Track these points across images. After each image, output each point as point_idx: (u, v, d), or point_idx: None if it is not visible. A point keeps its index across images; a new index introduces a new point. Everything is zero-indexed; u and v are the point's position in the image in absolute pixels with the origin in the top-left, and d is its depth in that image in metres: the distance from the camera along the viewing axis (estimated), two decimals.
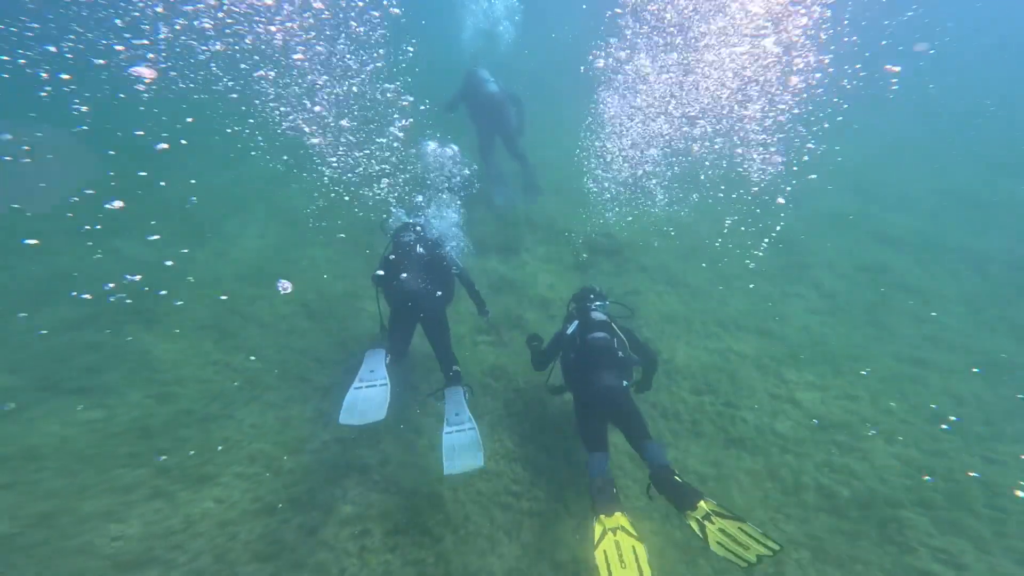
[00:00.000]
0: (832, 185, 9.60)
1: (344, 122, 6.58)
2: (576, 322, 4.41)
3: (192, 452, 4.10)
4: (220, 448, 4.17)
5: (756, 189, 8.52)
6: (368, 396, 4.04)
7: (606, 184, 7.75)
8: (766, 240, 7.47)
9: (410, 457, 4.23)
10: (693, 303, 6.17)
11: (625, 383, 4.02)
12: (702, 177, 9.11)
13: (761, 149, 8.21)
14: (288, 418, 4.49)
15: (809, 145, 10.90)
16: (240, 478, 3.94)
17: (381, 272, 4.76)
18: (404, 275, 4.68)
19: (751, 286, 6.55)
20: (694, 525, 3.15)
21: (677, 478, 3.37)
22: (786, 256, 7.27)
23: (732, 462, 4.30)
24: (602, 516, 3.23)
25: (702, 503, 3.18)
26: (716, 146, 9.11)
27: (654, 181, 8.48)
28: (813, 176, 9.67)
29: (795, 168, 10.15)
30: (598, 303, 4.61)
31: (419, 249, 4.91)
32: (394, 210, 5.65)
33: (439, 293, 4.83)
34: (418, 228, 5.12)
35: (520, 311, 5.90)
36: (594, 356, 4.08)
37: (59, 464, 3.91)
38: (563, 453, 4.36)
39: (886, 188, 9.82)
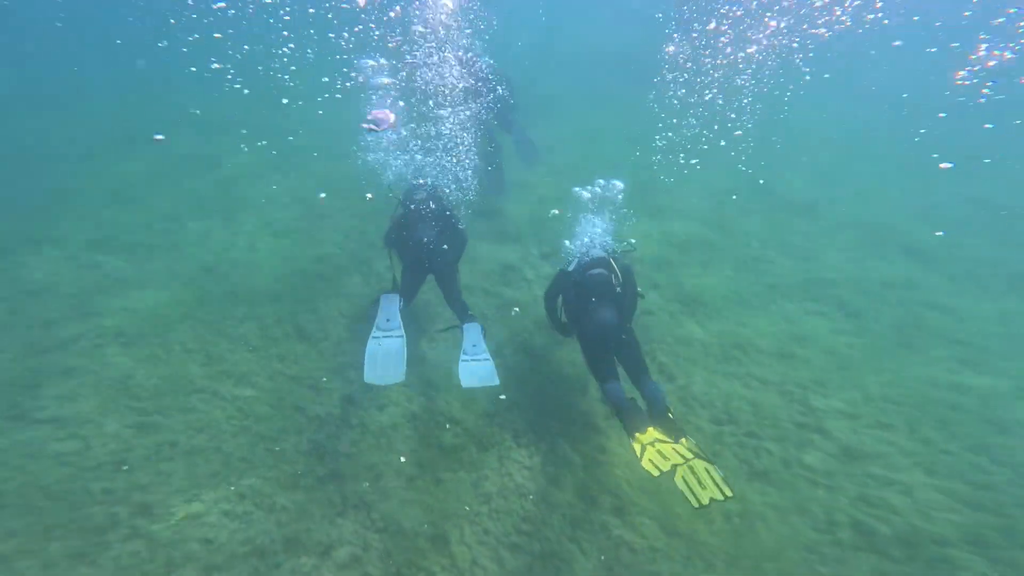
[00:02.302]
0: (851, 194, 9.58)
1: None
2: (576, 260, 4.87)
3: (175, 488, 3.95)
4: (206, 484, 4.02)
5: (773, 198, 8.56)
6: (387, 349, 4.48)
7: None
8: (783, 253, 7.42)
9: (412, 494, 4.10)
10: (709, 324, 6.07)
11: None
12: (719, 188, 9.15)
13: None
14: (281, 451, 4.36)
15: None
16: (228, 517, 3.81)
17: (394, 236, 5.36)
18: (417, 230, 5.20)
19: (771, 305, 6.45)
20: (637, 445, 3.74)
21: (670, 415, 3.96)
22: (805, 271, 7.18)
23: (757, 497, 4.18)
24: (637, 435, 3.77)
25: (684, 440, 3.76)
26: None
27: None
28: (831, 185, 9.72)
29: (812, 175, 10.22)
30: (598, 243, 5.05)
31: (430, 205, 5.39)
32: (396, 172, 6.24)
33: (448, 247, 5.32)
34: (426, 188, 5.62)
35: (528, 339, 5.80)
36: (594, 291, 4.47)
37: (22, 501, 3.76)
38: (574, 487, 4.24)
39: (911, 197, 9.76)
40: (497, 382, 4.50)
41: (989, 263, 7.49)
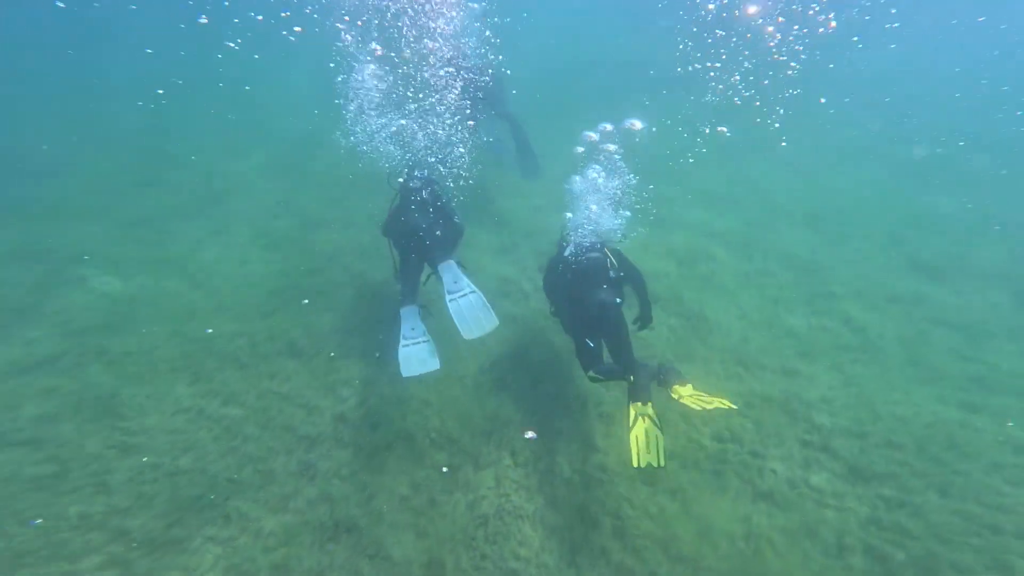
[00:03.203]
0: (854, 204, 9.57)
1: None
2: (571, 245, 5.03)
3: (157, 512, 3.84)
4: (190, 507, 3.91)
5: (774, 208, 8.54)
6: (418, 352, 4.88)
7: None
8: (786, 266, 7.38)
9: (405, 516, 4.00)
10: (711, 340, 6.00)
11: (618, 300, 4.60)
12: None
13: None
14: (270, 472, 4.26)
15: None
16: (212, 542, 3.71)
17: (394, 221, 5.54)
18: (412, 218, 5.43)
19: (774, 320, 6.38)
20: (632, 412, 4.11)
21: (647, 375, 4.30)
22: (809, 284, 7.13)
23: (763, 519, 4.09)
24: (638, 404, 4.14)
25: (650, 403, 4.14)
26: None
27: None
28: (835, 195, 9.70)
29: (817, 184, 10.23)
30: (591, 228, 5.22)
31: (425, 194, 5.65)
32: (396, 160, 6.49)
33: (443, 235, 5.53)
34: (423, 178, 5.88)
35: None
36: (588, 273, 4.68)
37: None
38: (574, 509, 4.16)
39: (915, 205, 9.76)
40: (496, 322, 4.93)
41: (997, 278, 7.44)
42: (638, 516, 4.08)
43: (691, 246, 7.68)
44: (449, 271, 5.16)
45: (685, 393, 4.15)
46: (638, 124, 5.62)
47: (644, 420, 4.05)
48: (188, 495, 4.03)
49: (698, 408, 3.93)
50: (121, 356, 5.27)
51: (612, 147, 5.47)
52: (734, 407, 3.96)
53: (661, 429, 4.03)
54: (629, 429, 4.03)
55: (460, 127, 6.90)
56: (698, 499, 4.26)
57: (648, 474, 4.39)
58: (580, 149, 5.61)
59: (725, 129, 10.58)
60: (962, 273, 7.60)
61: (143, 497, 3.97)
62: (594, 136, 5.53)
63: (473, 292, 5.01)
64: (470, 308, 4.88)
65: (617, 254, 4.96)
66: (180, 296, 6.19)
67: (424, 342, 4.96)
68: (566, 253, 5.03)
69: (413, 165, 6.29)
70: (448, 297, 4.95)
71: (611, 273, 4.72)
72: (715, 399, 3.97)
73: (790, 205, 9.32)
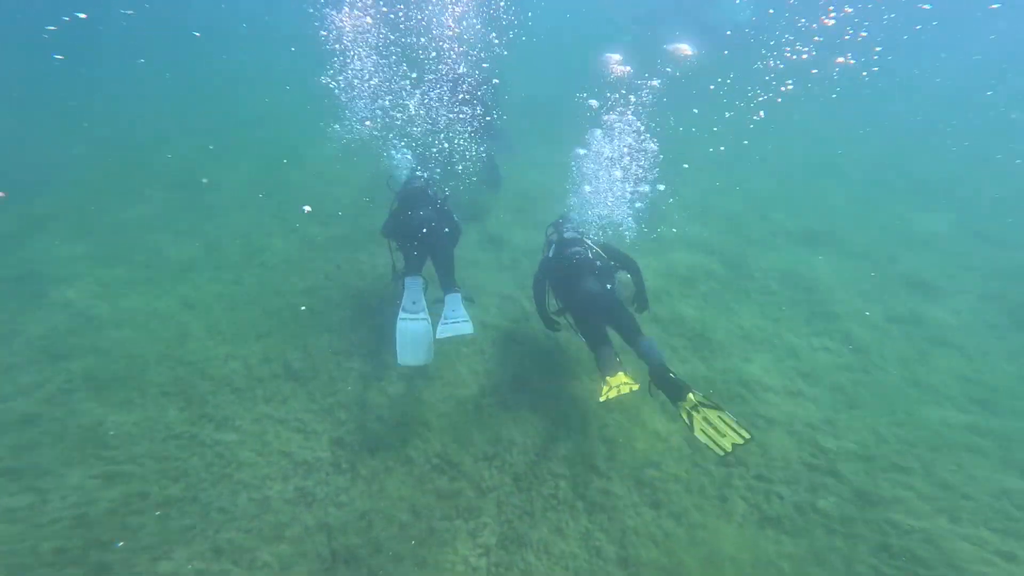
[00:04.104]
0: (852, 223, 9.68)
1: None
2: (554, 245, 5.46)
3: (143, 545, 3.73)
4: (178, 539, 3.81)
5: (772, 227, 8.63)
6: (415, 330, 5.04)
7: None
8: (786, 285, 7.43)
9: (405, 545, 3.93)
10: (714, 361, 6.00)
11: (608, 286, 4.97)
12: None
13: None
14: (264, 499, 4.17)
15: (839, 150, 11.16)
16: None
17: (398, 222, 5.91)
18: (413, 211, 5.79)
19: (775, 340, 6.41)
20: (684, 415, 4.15)
21: (672, 375, 4.29)
22: (809, 304, 7.18)
23: (770, 546, 4.07)
24: (608, 378, 4.33)
25: (691, 395, 4.12)
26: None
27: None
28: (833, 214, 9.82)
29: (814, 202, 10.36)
30: (569, 225, 5.72)
31: (428, 192, 6.12)
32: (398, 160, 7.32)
33: (446, 230, 5.91)
34: (424, 177, 6.37)
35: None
36: (575, 268, 5.01)
37: None
38: (578, 536, 4.11)
39: (909, 224, 9.89)
40: (471, 331, 5.23)
41: (994, 298, 7.54)
42: (643, 543, 4.04)
43: (691, 264, 7.72)
44: (452, 302, 5.46)
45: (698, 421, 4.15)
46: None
47: (698, 412, 4.09)
48: (177, 526, 3.92)
49: (710, 443, 4.01)
50: (108, 382, 5.15)
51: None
52: (747, 436, 3.94)
53: (717, 406, 4.06)
54: (691, 430, 4.10)
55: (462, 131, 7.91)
56: (704, 524, 4.23)
57: (653, 497, 4.37)
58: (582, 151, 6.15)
59: (723, 148, 10.76)
60: (958, 292, 7.70)
61: (127, 529, 3.85)
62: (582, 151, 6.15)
63: (467, 321, 5.28)
64: (415, 334, 5.08)
65: (605, 246, 5.34)
66: (171, 317, 6.09)
67: (423, 320, 5.12)
68: (550, 254, 5.42)
69: (414, 168, 6.87)
70: (442, 322, 5.22)
71: (598, 263, 5.07)
72: (729, 427, 4.00)
73: (788, 222, 9.43)
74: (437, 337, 5.06)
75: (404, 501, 4.24)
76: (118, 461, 4.39)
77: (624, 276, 5.40)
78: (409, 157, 7.57)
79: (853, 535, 4.10)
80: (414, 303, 5.20)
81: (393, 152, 7.59)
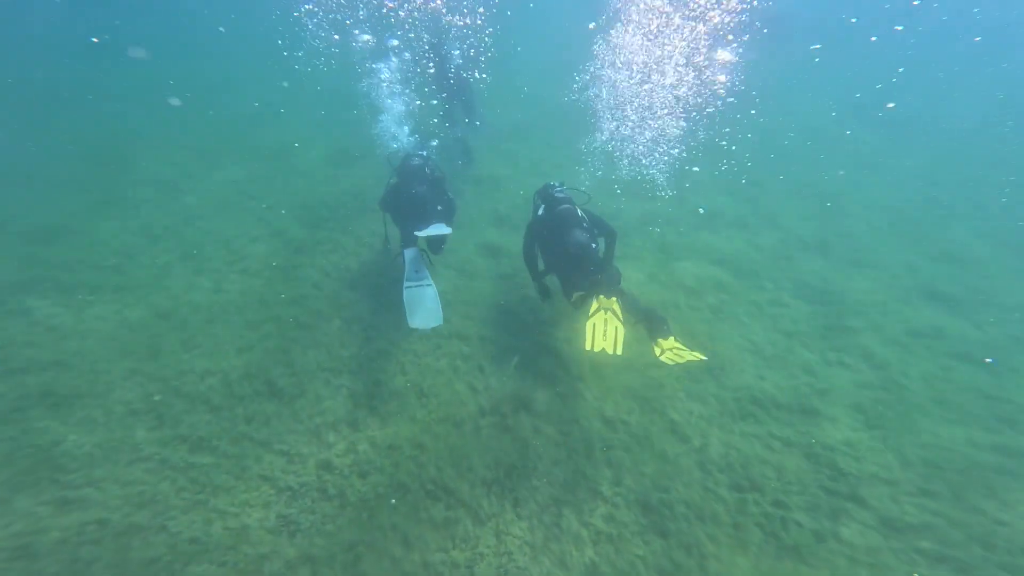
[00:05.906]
0: (864, 230, 9.62)
1: None
2: (544, 205, 5.94)
3: None
4: (140, 573, 3.64)
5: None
6: (422, 296, 5.59)
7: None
8: (799, 295, 7.35)
9: None
10: (724, 379, 5.89)
11: (594, 245, 5.47)
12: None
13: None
14: (242, 529, 4.01)
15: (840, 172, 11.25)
16: None
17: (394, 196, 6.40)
18: (410, 185, 6.24)
19: (789, 355, 6.30)
20: (595, 304, 4.85)
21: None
22: (824, 316, 7.08)
23: None
24: (602, 297, 4.89)
25: (615, 300, 4.85)
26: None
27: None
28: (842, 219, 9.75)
29: (828, 204, 10.29)
30: (559, 187, 6.16)
31: (426, 170, 6.57)
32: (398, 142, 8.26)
33: (440, 208, 6.33)
34: (422, 154, 6.84)
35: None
36: (566, 222, 5.52)
37: None
38: (583, 570, 3.97)
39: (930, 230, 9.84)
40: (440, 321, 5.63)
41: (1017, 309, 7.47)
42: None
43: (699, 274, 7.61)
44: (414, 260, 5.85)
45: (667, 347, 4.80)
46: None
47: (605, 312, 4.71)
48: (140, 558, 3.73)
49: (672, 363, 4.67)
50: (68, 398, 4.97)
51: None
52: (704, 358, 4.69)
53: (623, 323, 4.70)
54: (588, 316, 4.71)
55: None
56: (717, 555, 4.13)
57: (661, 526, 4.24)
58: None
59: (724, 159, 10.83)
60: (979, 304, 7.64)
61: (78, 562, 3.66)
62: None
63: (430, 286, 5.72)
64: (422, 299, 5.58)
65: (588, 212, 5.80)
66: (143, 329, 5.90)
67: (428, 286, 5.62)
68: (540, 212, 5.89)
69: (413, 145, 7.65)
70: (405, 284, 5.66)
71: (584, 223, 5.57)
72: (688, 353, 4.68)
73: (799, 229, 9.35)
74: (411, 325, 5.50)
75: (396, 531, 4.09)
76: (75, 485, 4.21)
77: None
78: (416, 139, 8.55)
79: (879, 566, 4.00)
80: (417, 272, 5.67)
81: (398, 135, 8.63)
